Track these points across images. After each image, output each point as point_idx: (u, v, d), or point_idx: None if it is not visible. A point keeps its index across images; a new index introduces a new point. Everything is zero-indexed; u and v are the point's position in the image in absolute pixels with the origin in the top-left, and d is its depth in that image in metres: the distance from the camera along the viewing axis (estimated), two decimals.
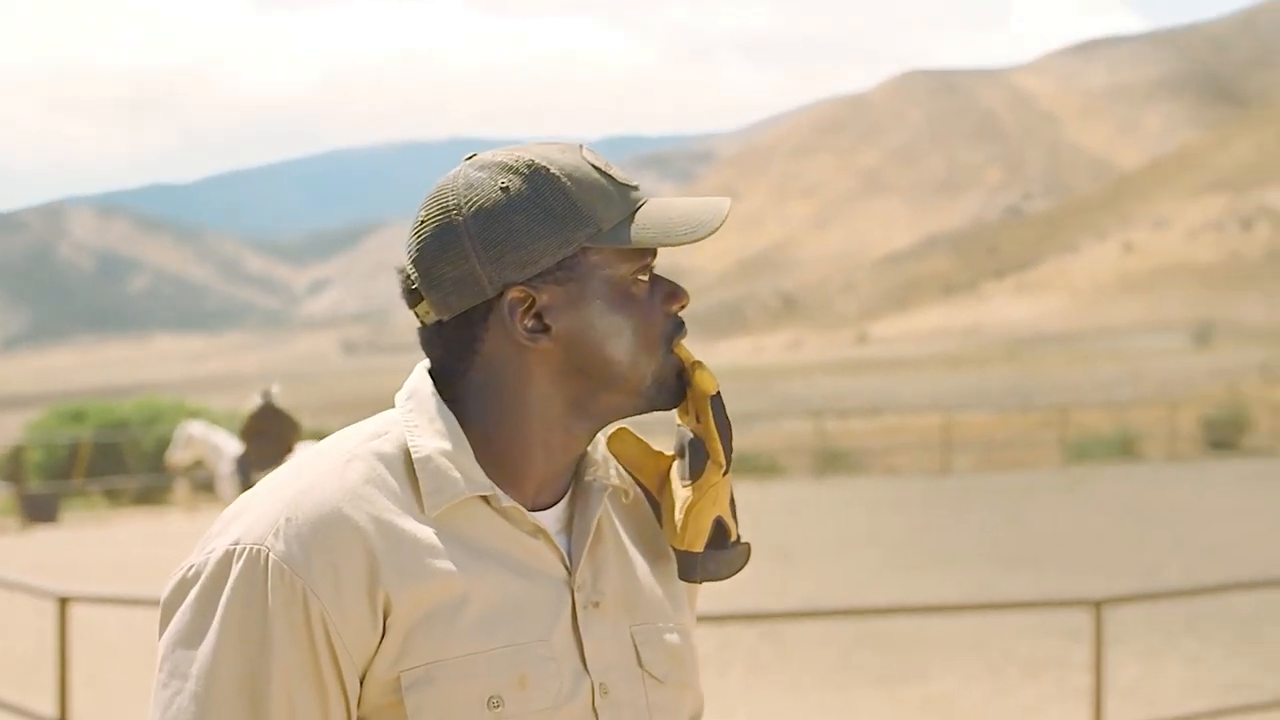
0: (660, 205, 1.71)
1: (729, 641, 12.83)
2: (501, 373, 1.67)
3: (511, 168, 1.65)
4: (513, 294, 1.64)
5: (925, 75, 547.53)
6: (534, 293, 1.64)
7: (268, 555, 1.55)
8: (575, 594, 1.68)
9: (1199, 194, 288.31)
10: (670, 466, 1.81)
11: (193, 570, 1.60)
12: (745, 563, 1.82)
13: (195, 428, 19.07)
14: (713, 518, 1.76)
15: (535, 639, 1.63)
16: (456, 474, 1.63)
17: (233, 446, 17.87)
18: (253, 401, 17.83)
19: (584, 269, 1.66)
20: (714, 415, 1.74)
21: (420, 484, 1.62)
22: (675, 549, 1.78)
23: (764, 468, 31.77)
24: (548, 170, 1.65)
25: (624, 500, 1.81)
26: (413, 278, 1.68)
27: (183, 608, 1.59)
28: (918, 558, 18.43)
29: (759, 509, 23.56)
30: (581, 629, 1.68)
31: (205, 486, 23.88)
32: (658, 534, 1.83)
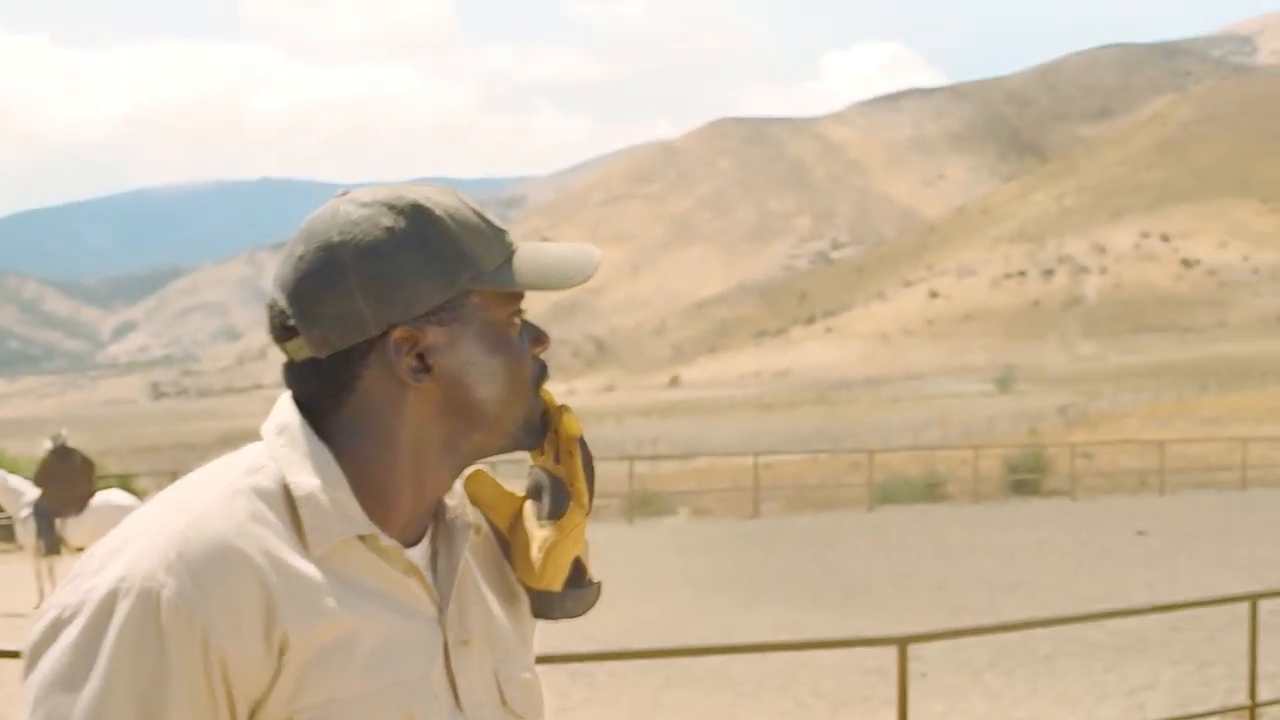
0: (534, 250, 1.72)
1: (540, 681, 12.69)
2: (377, 410, 1.65)
3: (395, 207, 1.63)
4: (398, 334, 1.62)
5: (736, 124, 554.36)
6: (417, 333, 1.63)
7: (160, 593, 1.48)
8: (447, 633, 1.69)
9: (1001, 243, 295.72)
10: (522, 507, 1.84)
11: (68, 610, 1.50)
12: (596, 600, 1.85)
13: None
14: (573, 557, 1.79)
15: (419, 677, 1.63)
16: (339, 512, 1.60)
17: (30, 491, 17.37)
18: (45, 446, 17.40)
19: (466, 311, 1.66)
20: (581, 457, 1.78)
21: (303, 521, 1.59)
22: (531, 588, 1.80)
23: None
24: (431, 211, 1.64)
25: (474, 538, 1.80)
26: (287, 313, 1.63)
27: (58, 649, 1.50)
28: (727, 598, 18.47)
29: None
30: (454, 667, 1.68)
31: (3, 531, 23.12)
32: (507, 573, 1.84)
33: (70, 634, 1.49)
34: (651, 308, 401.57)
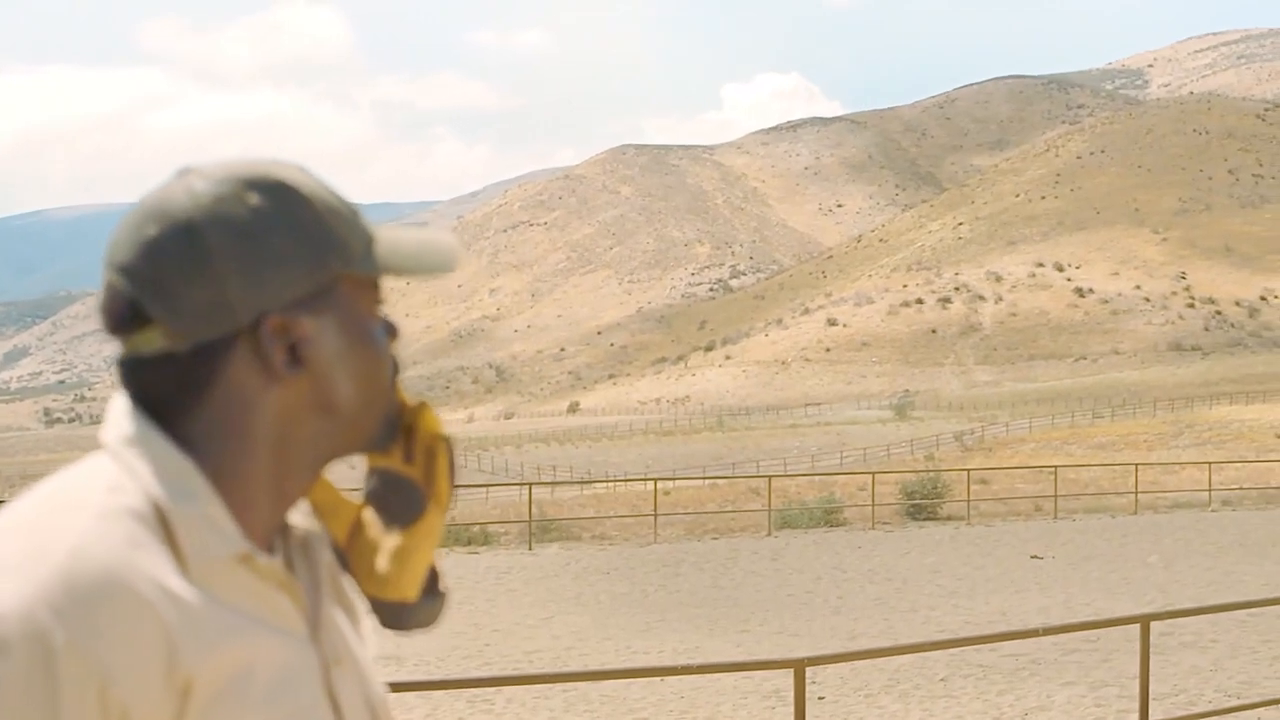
0: (394, 235, 1.58)
1: (438, 707, 12.64)
2: (241, 410, 1.46)
3: (259, 185, 1.47)
4: (272, 322, 1.45)
5: (636, 151, 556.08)
6: (290, 322, 1.46)
7: (49, 639, 1.26)
8: (321, 651, 1.53)
9: (898, 272, 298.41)
10: (360, 514, 1.65)
11: None
12: (444, 609, 1.72)
13: None
14: (430, 563, 1.65)
15: (312, 705, 1.48)
16: (215, 531, 1.42)
17: None
18: None
19: (334, 299, 1.50)
20: (446, 455, 1.65)
21: (180, 544, 1.38)
22: (380, 599, 1.63)
23: (475, 537, 31.54)
24: (297, 190, 1.49)
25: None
26: (139, 301, 1.42)
27: None
28: (626, 622, 18.49)
29: (470, 577, 23.37)
30: (335, 689, 1.53)
31: None
32: (344, 585, 1.65)
33: None
34: (551, 334, 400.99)
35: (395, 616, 1.64)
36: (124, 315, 1.44)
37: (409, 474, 1.63)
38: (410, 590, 1.63)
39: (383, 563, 1.62)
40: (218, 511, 1.42)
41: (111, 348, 1.46)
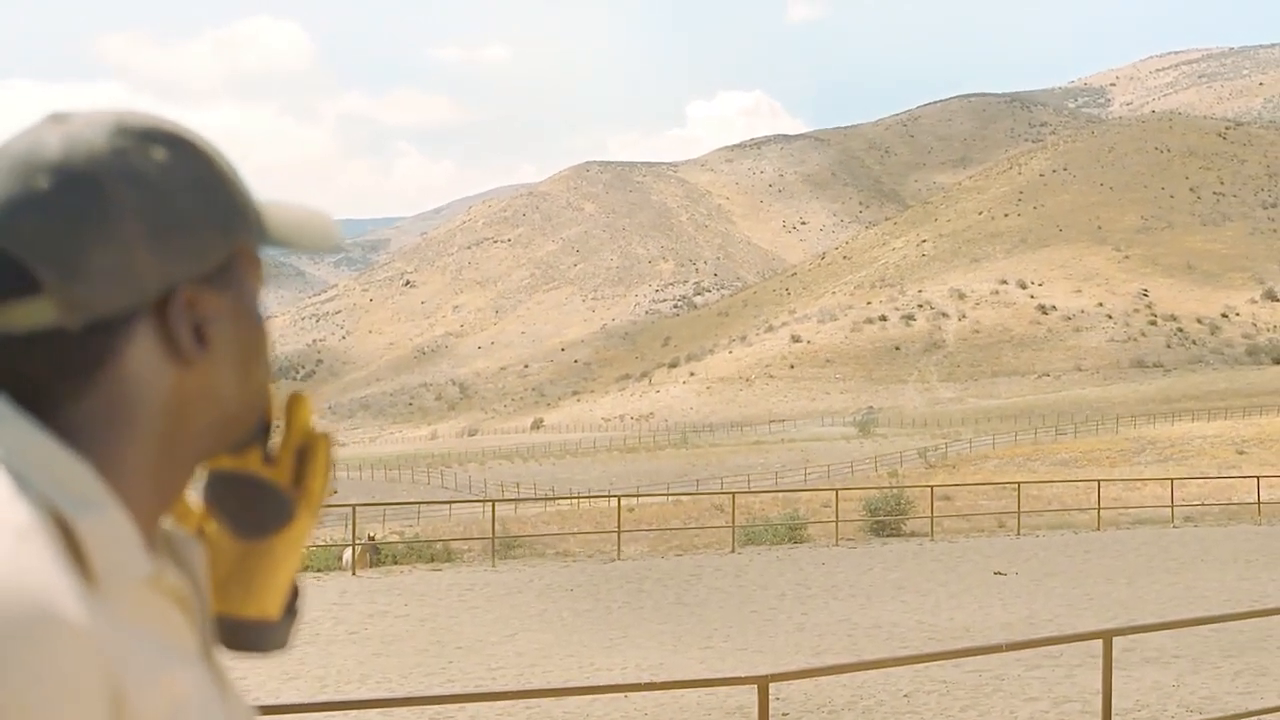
0: (277, 207, 1.35)
1: None
2: (134, 397, 1.20)
3: (156, 137, 1.23)
4: (186, 295, 1.22)
5: (600, 168, 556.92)
6: (199, 296, 1.23)
7: None
8: (216, 677, 1.28)
9: (862, 289, 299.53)
10: (203, 523, 1.43)
11: None
12: (297, 630, 1.48)
13: None
14: (293, 577, 1.45)
15: None
16: (125, 547, 1.16)
17: None
18: None
19: (237, 274, 1.28)
20: (325, 454, 1.44)
21: (92, 562, 1.11)
22: (236, 617, 1.39)
23: (438, 554, 31.46)
24: (197, 146, 1.26)
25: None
26: (28, 266, 1.15)
27: None
28: (590, 639, 18.44)
29: (433, 594, 23.30)
30: (229, 712, 1.28)
31: None
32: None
33: None
34: (515, 351, 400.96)
35: (254, 637, 1.41)
36: (3, 282, 1.15)
37: (269, 477, 1.41)
38: (273, 607, 1.42)
39: (242, 576, 1.41)
40: (122, 522, 1.17)
41: None
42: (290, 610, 1.45)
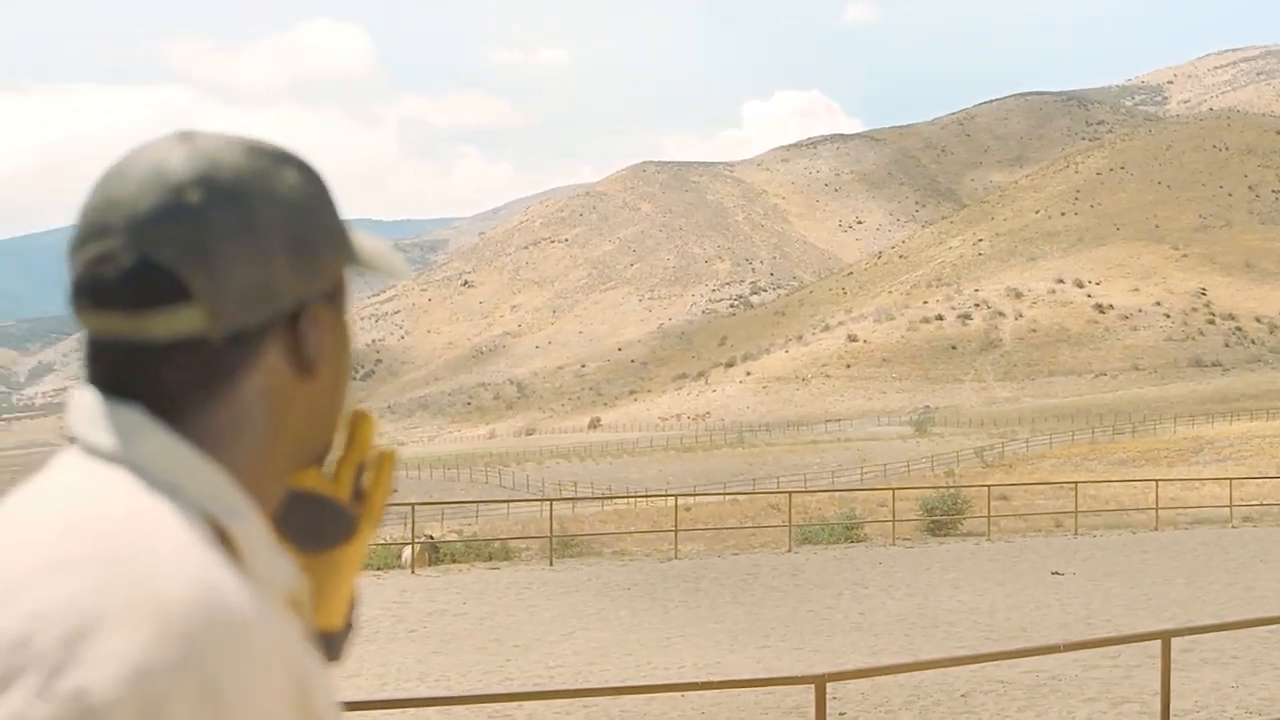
0: (358, 231, 1.40)
1: None
2: (260, 409, 1.25)
3: (286, 160, 1.29)
4: (317, 308, 1.28)
5: (657, 168, 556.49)
6: (325, 313, 1.30)
7: (203, 687, 1.03)
8: None
9: (919, 288, 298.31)
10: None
11: None
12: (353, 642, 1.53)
13: None
14: (354, 588, 1.49)
15: None
16: (278, 553, 1.23)
17: None
18: None
19: (342, 292, 1.35)
20: (390, 471, 1.49)
21: (252, 570, 1.17)
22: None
23: (496, 553, 31.61)
24: (317, 172, 1.32)
25: None
26: (179, 276, 1.19)
27: None
28: (647, 638, 18.51)
29: (491, 593, 23.44)
30: None
31: None
32: None
33: None
34: (572, 350, 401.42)
35: (321, 647, 1.43)
36: (153, 290, 1.19)
37: (329, 492, 1.45)
38: (337, 618, 1.46)
39: (311, 588, 1.42)
40: (267, 532, 1.23)
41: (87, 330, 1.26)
42: (349, 623, 1.48)
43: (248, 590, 1.11)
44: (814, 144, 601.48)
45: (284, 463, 1.29)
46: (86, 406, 1.23)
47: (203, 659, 1.04)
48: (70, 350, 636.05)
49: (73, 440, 1.22)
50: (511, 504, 58.42)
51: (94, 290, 1.21)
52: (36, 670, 1.02)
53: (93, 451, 1.20)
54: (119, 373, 1.23)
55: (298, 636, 1.16)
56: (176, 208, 1.20)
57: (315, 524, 1.43)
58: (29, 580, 1.07)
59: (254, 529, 1.20)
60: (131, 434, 1.20)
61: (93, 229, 1.22)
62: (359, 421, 1.45)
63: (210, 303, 1.20)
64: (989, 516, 35.55)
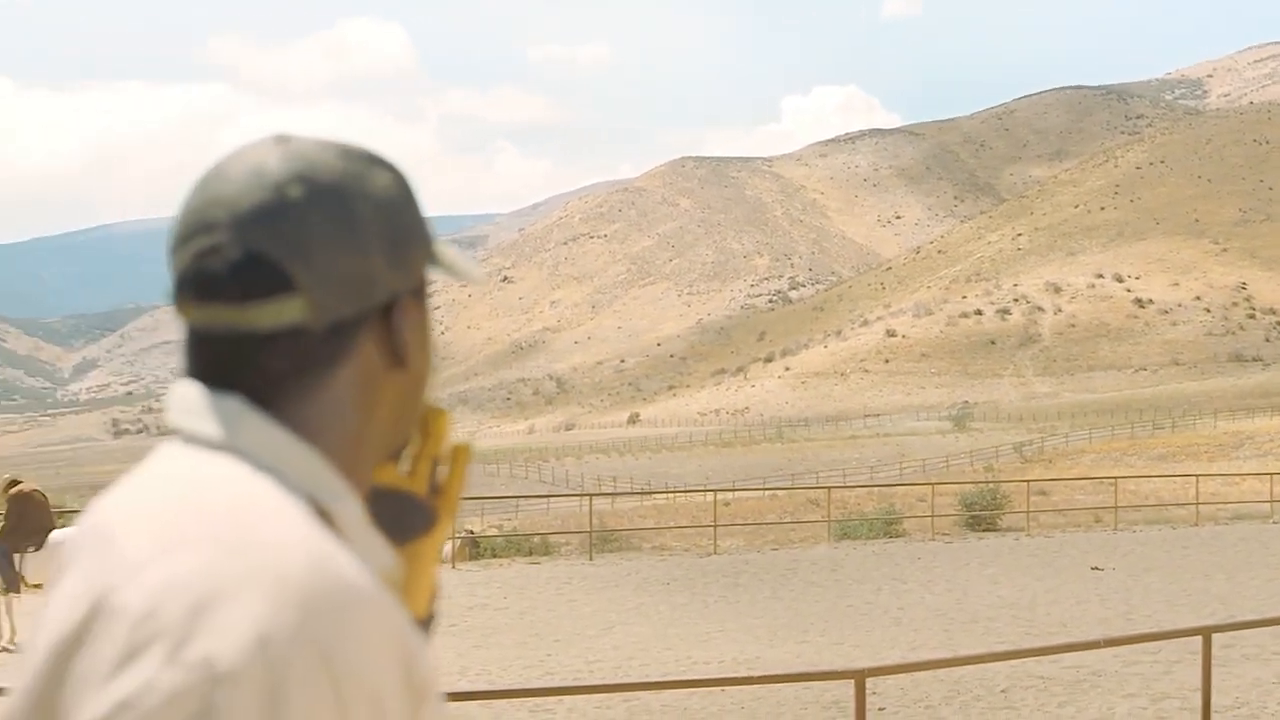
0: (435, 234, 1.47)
1: (500, 717, 12.78)
2: (350, 400, 1.31)
3: (377, 162, 1.37)
4: (407, 302, 1.35)
5: (696, 163, 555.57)
6: (416, 307, 1.38)
7: (333, 659, 1.12)
8: None
9: (958, 283, 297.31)
10: None
11: (180, 694, 1.08)
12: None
13: None
14: (435, 578, 1.54)
15: None
16: (373, 537, 1.30)
17: None
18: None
19: (426, 290, 1.42)
20: (465, 465, 1.53)
21: (354, 549, 1.24)
22: None
23: (536, 548, 31.73)
24: (405, 174, 1.40)
25: None
26: (283, 268, 1.26)
27: None
28: (686, 633, 18.58)
29: (531, 587, 23.54)
30: None
31: None
32: None
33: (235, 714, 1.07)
34: (611, 346, 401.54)
35: None
36: (257, 281, 1.26)
37: (406, 487, 1.50)
38: (422, 607, 1.50)
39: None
40: (365, 516, 1.30)
41: (177, 361, 1.32)
42: (430, 612, 1.52)
43: (358, 565, 1.17)
44: (852, 139, 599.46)
45: (373, 451, 1.34)
46: (187, 399, 1.29)
47: (320, 628, 1.11)
48: (114, 346, 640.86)
49: (173, 433, 1.28)
50: (551, 499, 58.50)
51: (199, 283, 1.27)
52: (164, 640, 1.09)
53: (196, 441, 1.27)
54: (219, 364, 1.28)
55: (403, 611, 1.20)
56: (279, 203, 1.27)
57: (396, 517, 1.47)
58: (152, 558, 1.15)
59: (354, 511, 1.26)
60: (234, 422, 1.26)
61: (197, 225, 1.28)
62: (434, 416, 1.49)
63: (312, 293, 1.26)
64: (1028, 512, 35.49)
